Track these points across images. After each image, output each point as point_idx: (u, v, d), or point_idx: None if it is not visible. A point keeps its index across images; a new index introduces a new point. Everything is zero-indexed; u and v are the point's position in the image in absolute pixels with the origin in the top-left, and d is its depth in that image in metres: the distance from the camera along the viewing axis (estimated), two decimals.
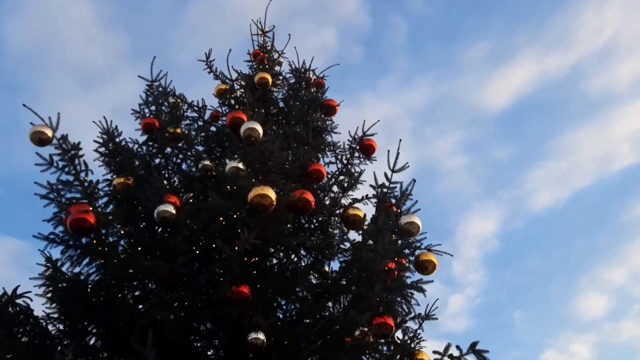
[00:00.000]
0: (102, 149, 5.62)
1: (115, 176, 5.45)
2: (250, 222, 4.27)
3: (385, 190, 5.22)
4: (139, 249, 4.42)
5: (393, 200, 5.46)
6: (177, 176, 5.71)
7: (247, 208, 4.25)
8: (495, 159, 23.93)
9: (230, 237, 4.13)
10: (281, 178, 4.77)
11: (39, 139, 4.34)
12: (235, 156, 4.88)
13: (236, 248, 4.03)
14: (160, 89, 5.98)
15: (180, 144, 6.11)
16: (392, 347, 5.26)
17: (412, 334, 5.38)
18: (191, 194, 5.47)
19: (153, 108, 5.76)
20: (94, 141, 5.59)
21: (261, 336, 3.96)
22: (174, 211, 4.52)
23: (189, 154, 5.79)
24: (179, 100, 6.93)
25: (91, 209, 4.00)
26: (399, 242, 5.84)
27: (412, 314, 4.98)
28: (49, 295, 4.35)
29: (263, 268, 4.54)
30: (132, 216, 5.07)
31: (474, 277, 23.83)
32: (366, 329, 4.05)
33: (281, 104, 7.23)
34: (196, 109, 7.03)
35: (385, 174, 5.23)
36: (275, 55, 8.15)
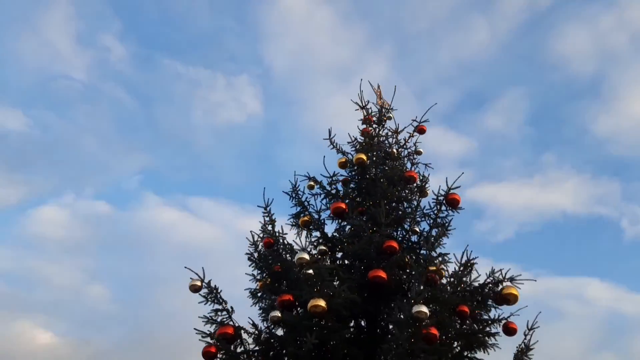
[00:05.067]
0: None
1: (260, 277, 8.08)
2: (312, 326, 6.34)
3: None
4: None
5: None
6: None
7: (309, 315, 6.35)
8: None
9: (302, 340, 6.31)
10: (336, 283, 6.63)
11: (194, 289, 7.12)
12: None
13: (303, 349, 6.19)
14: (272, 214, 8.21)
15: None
16: None
17: None
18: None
19: (270, 228, 8.09)
20: (245, 254, 8.27)
21: None
22: (280, 315, 6.87)
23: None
24: (312, 182, 9.15)
25: (214, 349, 6.54)
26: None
27: None
28: None
29: (333, 355, 6.51)
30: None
31: None
32: None
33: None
34: (324, 186, 9.14)
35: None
36: (384, 112, 9.88)
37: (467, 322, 7.41)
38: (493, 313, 7.62)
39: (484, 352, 7.52)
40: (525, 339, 7.45)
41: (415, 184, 8.49)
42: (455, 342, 7.42)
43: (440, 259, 7.67)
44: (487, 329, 7.60)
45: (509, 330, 7.44)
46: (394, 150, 8.92)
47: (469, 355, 7.48)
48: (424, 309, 5.92)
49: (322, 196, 8.88)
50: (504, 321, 7.49)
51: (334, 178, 8.60)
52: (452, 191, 7.96)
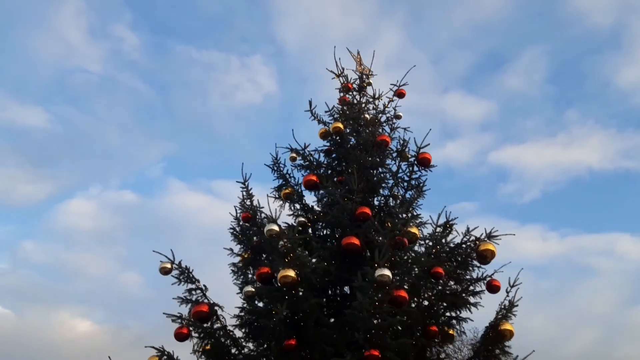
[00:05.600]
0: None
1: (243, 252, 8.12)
2: (282, 296, 6.38)
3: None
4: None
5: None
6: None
7: (279, 286, 6.39)
8: None
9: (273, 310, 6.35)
10: (305, 253, 6.63)
11: (165, 271, 7.17)
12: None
13: (274, 319, 6.24)
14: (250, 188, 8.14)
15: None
16: None
17: None
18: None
19: (248, 202, 8.07)
20: (228, 229, 8.29)
21: None
22: (253, 290, 6.94)
23: None
24: (295, 154, 9.07)
25: (186, 330, 6.62)
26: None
27: None
28: None
29: (305, 323, 6.53)
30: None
31: None
32: None
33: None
34: (307, 157, 9.05)
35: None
36: (365, 78, 9.74)
37: (445, 282, 7.38)
38: (477, 272, 7.58)
39: (469, 312, 7.50)
40: (507, 296, 7.35)
41: (389, 148, 8.37)
42: (438, 303, 7.42)
43: (416, 221, 7.64)
44: (471, 288, 7.57)
45: (493, 288, 7.40)
46: (366, 116, 8.77)
47: (452, 315, 7.47)
48: (387, 272, 5.88)
49: (303, 168, 8.83)
50: (487, 279, 7.44)
51: (307, 150, 8.52)
52: (422, 150, 7.87)
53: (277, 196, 8.69)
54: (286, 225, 8.23)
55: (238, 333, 7.22)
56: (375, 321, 5.90)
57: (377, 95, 9.48)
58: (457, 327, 7.53)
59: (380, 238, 6.63)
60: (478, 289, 7.57)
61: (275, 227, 6.67)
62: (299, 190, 8.56)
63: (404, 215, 7.71)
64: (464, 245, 7.29)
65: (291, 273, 6.30)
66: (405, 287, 6.75)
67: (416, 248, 7.59)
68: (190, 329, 6.62)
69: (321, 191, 8.14)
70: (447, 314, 7.52)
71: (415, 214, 7.76)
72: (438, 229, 7.48)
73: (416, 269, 7.18)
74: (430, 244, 7.26)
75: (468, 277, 7.56)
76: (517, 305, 7.37)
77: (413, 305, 7.16)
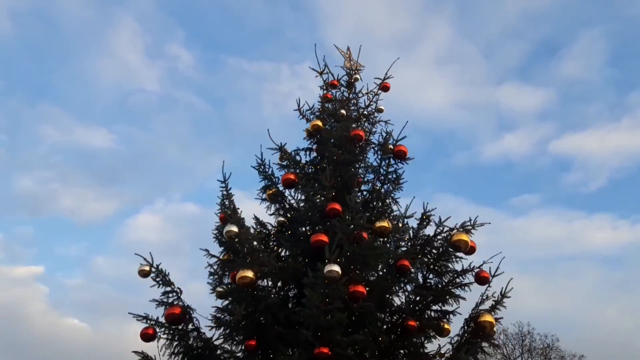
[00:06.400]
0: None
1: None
2: (240, 297, 6.36)
3: None
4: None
5: None
6: None
7: (238, 287, 6.37)
8: None
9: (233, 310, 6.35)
10: (265, 253, 6.60)
11: (143, 274, 7.30)
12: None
13: (232, 318, 6.24)
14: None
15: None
16: None
17: None
18: None
19: (227, 202, 8.07)
20: (212, 231, 8.34)
21: None
22: (223, 290, 6.97)
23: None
24: (282, 154, 9.03)
25: (152, 330, 6.71)
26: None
27: None
28: None
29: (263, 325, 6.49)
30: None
31: None
32: None
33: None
34: (291, 157, 8.97)
35: None
36: (353, 74, 9.58)
37: (425, 275, 7.18)
38: (463, 264, 7.31)
39: (455, 304, 7.27)
40: (488, 287, 7.05)
41: (371, 142, 8.22)
42: (415, 298, 7.21)
43: (389, 214, 7.46)
44: (458, 280, 7.31)
45: (481, 279, 7.14)
46: (342, 112, 8.62)
47: (436, 308, 7.24)
48: (335, 268, 5.77)
49: (286, 168, 8.77)
50: (476, 270, 7.18)
51: (284, 148, 8.45)
52: (398, 143, 7.68)
53: (262, 197, 8.69)
54: (270, 225, 8.26)
55: (217, 334, 7.26)
56: (327, 317, 5.77)
57: (364, 91, 9.34)
58: (445, 320, 7.29)
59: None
60: (466, 280, 7.32)
61: (234, 228, 6.66)
62: (282, 190, 8.52)
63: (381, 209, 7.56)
64: (438, 237, 7.05)
65: (249, 274, 6.26)
66: (370, 280, 6.60)
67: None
68: (156, 329, 6.69)
69: (299, 190, 8.08)
70: (433, 307, 7.30)
71: (389, 206, 7.56)
72: (407, 221, 7.35)
73: (390, 263, 6.99)
74: (397, 236, 7.05)
75: (450, 269, 7.31)
76: (508, 297, 7.09)
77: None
